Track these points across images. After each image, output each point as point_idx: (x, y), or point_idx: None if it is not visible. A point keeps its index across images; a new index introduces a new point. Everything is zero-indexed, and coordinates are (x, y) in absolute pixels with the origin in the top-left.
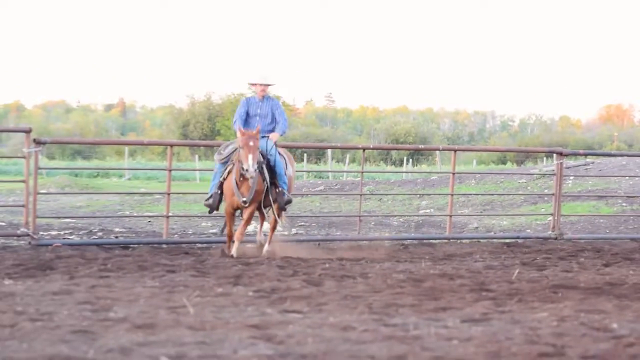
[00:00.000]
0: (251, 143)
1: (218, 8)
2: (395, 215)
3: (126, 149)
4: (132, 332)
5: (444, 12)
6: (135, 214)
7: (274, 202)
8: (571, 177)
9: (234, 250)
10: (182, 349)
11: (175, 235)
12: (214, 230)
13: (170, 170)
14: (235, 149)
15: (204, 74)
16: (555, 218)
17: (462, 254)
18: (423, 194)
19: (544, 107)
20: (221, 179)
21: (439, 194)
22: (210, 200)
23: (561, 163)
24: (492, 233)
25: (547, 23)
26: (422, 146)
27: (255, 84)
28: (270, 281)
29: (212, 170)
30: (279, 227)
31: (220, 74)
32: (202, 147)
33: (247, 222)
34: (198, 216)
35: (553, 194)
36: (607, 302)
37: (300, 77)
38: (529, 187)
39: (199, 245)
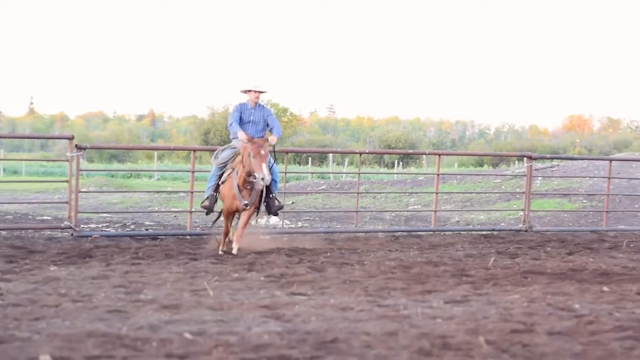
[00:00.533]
0: (262, 152)
1: (234, 31)
2: (388, 211)
3: (155, 153)
4: (159, 311)
5: (430, 37)
6: (162, 210)
7: (266, 206)
8: (539, 178)
9: (235, 250)
10: (203, 327)
11: (198, 228)
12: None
13: (193, 172)
14: (234, 154)
15: (223, 88)
16: (526, 213)
17: (445, 244)
18: (411, 192)
19: (516, 117)
20: (220, 182)
21: (425, 192)
22: (207, 202)
23: (531, 166)
24: (471, 226)
25: (520, 43)
26: (411, 151)
27: (250, 91)
28: (279, 268)
29: None
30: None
31: (237, 88)
32: None
33: (246, 224)
34: (217, 211)
35: (524, 192)
36: (570, 286)
37: (306, 91)
38: (503, 187)
39: (218, 236)
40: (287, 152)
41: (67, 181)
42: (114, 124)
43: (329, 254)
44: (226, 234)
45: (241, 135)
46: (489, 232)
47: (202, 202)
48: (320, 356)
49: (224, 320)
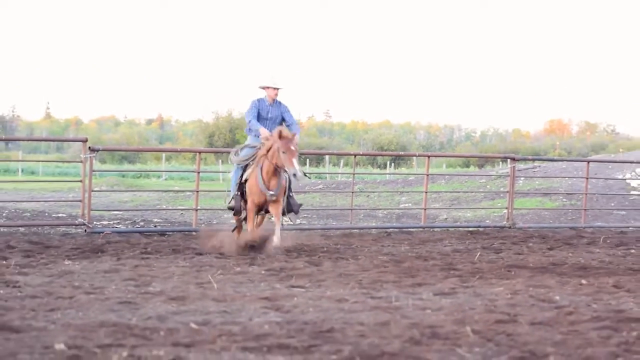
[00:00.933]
0: (292, 147)
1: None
2: (381, 209)
3: (163, 155)
4: (167, 303)
5: (420, 46)
6: (170, 208)
7: (286, 204)
8: (522, 178)
9: (274, 249)
10: (208, 317)
11: (203, 225)
12: (233, 221)
13: (198, 172)
14: (255, 153)
15: (226, 93)
16: (509, 211)
17: (434, 239)
18: (403, 192)
19: (500, 121)
20: (242, 181)
21: (416, 191)
22: (233, 203)
23: (514, 167)
24: (459, 223)
25: (504, 51)
26: (402, 153)
27: (268, 87)
28: (279, 262)
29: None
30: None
31: (239, 94)
32: (224, 154)
33: (279, 218)
34: (221, 209)
35: (507, 192)
36: (551, 279)
37: (304, 96)
38: (488, 186)
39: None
40: None
41: (81, 181)
42: (124, 127)
43: (325, 249)
44: (252, 230)
45: (264, 132)
46: (475, 229)
47: (228, 204)
48: (317, 345)
49: (227, 311)
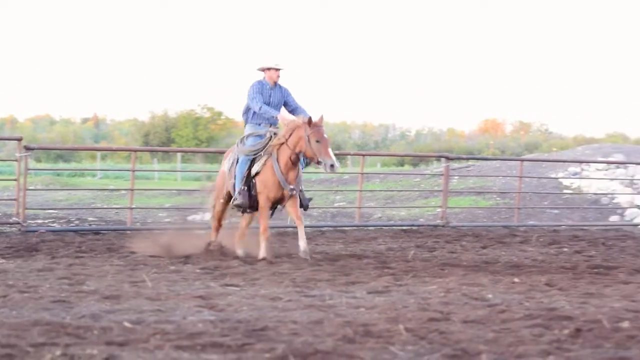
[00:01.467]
0: (325, 135)
1: (167, 40)
2: (315, 207)
3: (98, 154)
4: (101, 301)
5: (352, 43)
6: (105, 206)
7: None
8: (456, 177)
9: (306, 254)
10: (142, 316)
11: (137, 224)
12: (169, 220)
13: (133, 171)
14: (266, 142)
15: (162, 92)
16: (443, 209)
17: (368, 238)
18: (337, 190)
19: (435, 121)
20: (252, 174)
21: (350, 190)
22: (240, 200)
23: (448, 165)
24: (393, 222)
25: (438, 50)
26: (337, 151)
27: (269, 69)
28: (214, 260)
29: (166, 170)
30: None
31: (175, 92)
32: (159, 152)
33: (301, 220)
34: (156, 208)
35: (441, 191)
36: (484, 277)
37: (239, 95)
38: (422, 185)
39: (157, 231)
40: (221, 153)
41: (15, 180)
42: (60, 126)
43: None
44: (265, 228)
45: (286, 117)
46: (409, 227)
47: (234, 202)
48: (250, 343)
49: (161, 309)
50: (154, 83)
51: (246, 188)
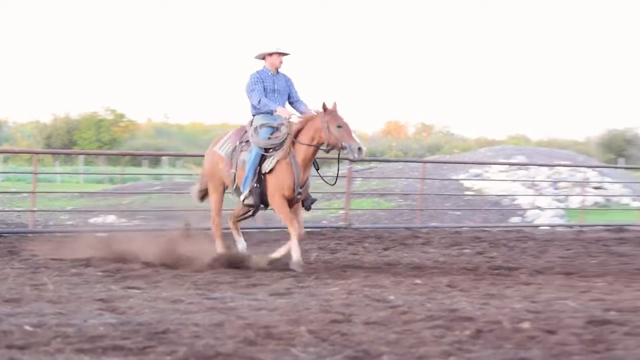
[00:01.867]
0: (345, 120)
1: (71, 39)
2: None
3: (0, 156)
4: (1, 304)
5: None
6: (6, 209)
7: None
8: (359, 179)
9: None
10: (43, 319)
11: (39, 226)
12: (71, 222)
13: (36, 174)
14: (283, 136)
15: (65, 94)
16: (346, 211)
17: (270, 240)
18: None
19: None
20: (266, 170)
21: None
22: (251, 199)
23: (350, 167)
24: None
25: (343, 51)
26: None
27: (271, 54)
28: (115, 263)
29: (69, 173)
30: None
31: (77, 94)
32: (62, 155)
33: (298, 228)
34: (58, 210)
35: (344, 192)
36: (386, 279)
37: (141, 98)
38: (324, 187)
39: (59, 234)
40: (123, 155)
41: None
42: None
43: None
44: (291, 221)
45: (283, 111)
46: (312, 230)
47: (245, 200)
48: (152, 346)
49: (63, 312)
50: (56, 85)
51: (257, 186)
